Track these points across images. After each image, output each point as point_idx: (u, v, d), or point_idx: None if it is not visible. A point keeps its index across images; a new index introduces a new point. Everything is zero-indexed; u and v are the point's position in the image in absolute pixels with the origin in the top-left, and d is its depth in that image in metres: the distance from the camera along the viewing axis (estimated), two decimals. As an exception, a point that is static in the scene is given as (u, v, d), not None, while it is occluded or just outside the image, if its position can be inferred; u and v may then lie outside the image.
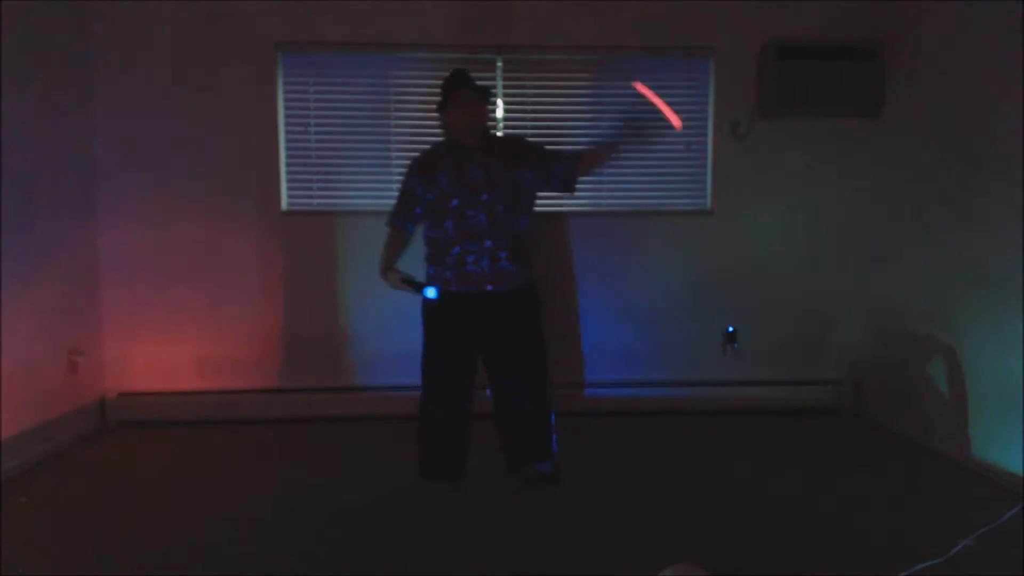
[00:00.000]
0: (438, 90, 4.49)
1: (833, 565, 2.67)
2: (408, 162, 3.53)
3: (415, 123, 4.44)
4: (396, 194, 3.53)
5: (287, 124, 4.41)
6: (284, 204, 4.44)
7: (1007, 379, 3.37)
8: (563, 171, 3.39)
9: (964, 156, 3.71)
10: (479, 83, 3.42)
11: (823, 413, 4.56)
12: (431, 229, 3.36)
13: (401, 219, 3.46)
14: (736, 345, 4.59)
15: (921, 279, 4.08)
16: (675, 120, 3.21)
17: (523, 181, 3.36)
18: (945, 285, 3.85)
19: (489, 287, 3.27)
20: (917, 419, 4.03)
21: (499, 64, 4.40)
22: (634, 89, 3.25)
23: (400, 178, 4.45)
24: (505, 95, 4.42)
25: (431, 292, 3.29)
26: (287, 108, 4.41)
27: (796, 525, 3.02)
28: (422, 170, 3.39)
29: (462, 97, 3.33)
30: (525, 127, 4.44)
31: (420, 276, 3.40)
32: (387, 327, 4.46)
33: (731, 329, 4.58)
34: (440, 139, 3.61)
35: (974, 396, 3.63)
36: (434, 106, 4.41)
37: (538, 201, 3.54)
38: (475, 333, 3.33)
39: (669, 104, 3.22)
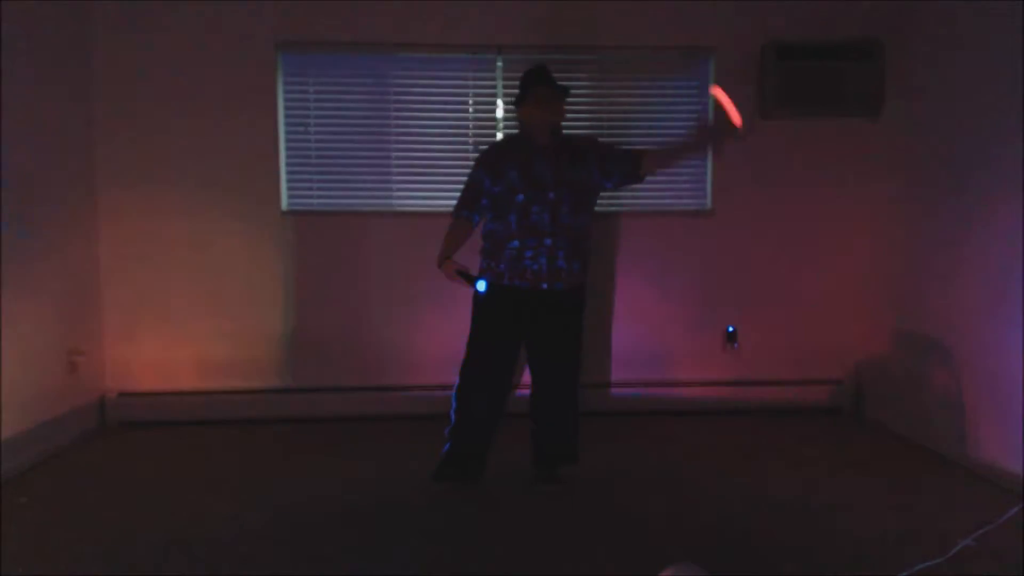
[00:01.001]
0: (437, 90, 4.51)
1: (833, 565, 2.66)
2: (480, 152, 3.50)
3: (415, 123, 4.44)
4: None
5: (287, 124, 4.41)
6: (284, 204, 4.44)
7: (1007, 379, 3.37)
8: (628, 165, 3.36)
9: (964, 155, 3.71)
10: (560, 83, 3.35)
11: (823, 413, 4.56)
12: (491, 222, 3.33)
13: (467, 210, 3.38)
14: (736, 345, 4.59)
15: (921, 279, 4.08)
16: (736, 117, 3.16)
17: (589, 179, 3.34)
18: (945, 285, 3.85)
19: (545, 285, 3.26)
20: (917, 419, 4.03)
21: (499, 64, 4.40)
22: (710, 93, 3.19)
23: (400, 178, 4.51)
24: (505, 95, 4.41)
25: (482, 286, 3.27)
26: (287, 108, 4.41)
27: (796, 525, 3.01)
28: (491, 163, 3.35)
29: (542, 95, 3.28)
30: (525, 127, 4.43)
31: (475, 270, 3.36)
32: (387, 327, 4.47)
33: (731, 329, 4.58)
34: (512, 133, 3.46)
35: (974, 396, 3.63)
36: (435, 106, 4.47)
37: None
38: (523, 330, 3.33)
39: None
